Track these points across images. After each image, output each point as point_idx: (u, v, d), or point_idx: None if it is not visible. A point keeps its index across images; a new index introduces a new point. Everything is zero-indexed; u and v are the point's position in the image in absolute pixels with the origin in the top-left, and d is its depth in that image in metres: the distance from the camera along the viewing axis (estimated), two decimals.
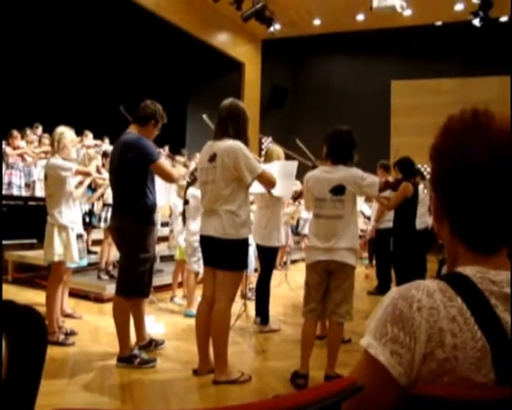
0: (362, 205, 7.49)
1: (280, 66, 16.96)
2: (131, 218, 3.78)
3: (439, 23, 14.30)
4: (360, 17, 14.55)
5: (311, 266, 3.63)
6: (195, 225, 5.06)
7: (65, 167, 4.35)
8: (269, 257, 5.10)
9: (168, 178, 3.97)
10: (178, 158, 8.95)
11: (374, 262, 8.61)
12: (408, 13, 12.91)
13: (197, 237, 4.10)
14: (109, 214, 6.40)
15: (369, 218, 8.66)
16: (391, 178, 6.02)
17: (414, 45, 14.90)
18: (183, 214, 5.50)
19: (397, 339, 0.89)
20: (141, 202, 3.79)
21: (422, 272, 6.28)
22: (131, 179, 3.79)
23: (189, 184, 5.45)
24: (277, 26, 14.08)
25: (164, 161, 3.88)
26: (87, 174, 4.86)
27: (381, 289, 7.02)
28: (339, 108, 15.30)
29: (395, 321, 0.90)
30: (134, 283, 3.83)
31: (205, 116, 5.15)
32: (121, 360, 3.82)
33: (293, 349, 4.17)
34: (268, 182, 3.65)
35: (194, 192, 5.25)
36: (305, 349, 3.61)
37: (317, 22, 15.28)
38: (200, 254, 4.38)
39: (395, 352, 0.89)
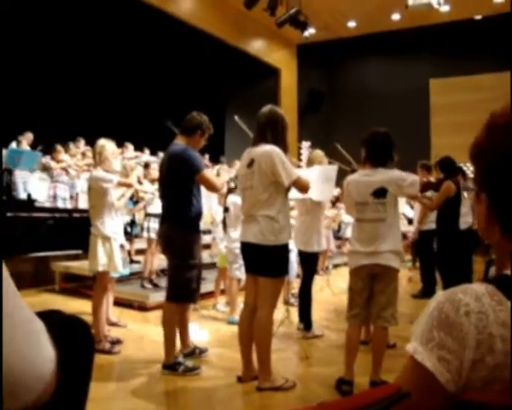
0: (404, 207, 7.37)
1: (316, 70, 16.91)
2: (178, 226, 3.87)
3: (478, 17, 13.97)
4: (395, 16, 14.38)
5: (354, 272, 3.59)
6: (236, 232, 5.09)
7: (106, 179, 4.44)
8: (310, 262, 5.09)
9: (212, 188, 4.09)
10: (222, 167, 9.02)
11: (417, 265, 8.44)
12: (445, 8, 12.67)
13: (238, 244, 4.12)
14: (151, 224, 6.54)
15: (411, 220, 8.51)
16: (432, 179, 5.90)
17: (452, 41, 14.60)
18: (224, 222, 5.54)
19: (444, 344, 0.87)
20: (187, 210, 3.87)
21: (468, 274, 6.12)
22: (178, 189, 3.89)
23: (230, 192, 5.48)
24: (312, 31, 14.06)
25: (208, 171, 3.95)
26: (128, 185, 4.96)
27: (426, 292, 6.87)
28: (376, 110, 15.12)
29: (442, 326, 0.88)
30: (182, 289, 3.90)
31: (237, 117, 5.18)
32: (166, 367, 3.87)
33: (338, 355, 4.12)
34: (302, 188, 3.65)
35: (235, 199, 5.28)
36: (350, 355, 3.56)
37: (351, 24, 15.18)
38: (241, 261, 4.40)
39: (442, 358, 0.86)
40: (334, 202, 5.28)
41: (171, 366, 3.85)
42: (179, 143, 3.99)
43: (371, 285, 3.53)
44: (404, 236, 7.53)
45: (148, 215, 6.69)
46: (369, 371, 3.52)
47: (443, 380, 0.85)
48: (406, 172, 3.59)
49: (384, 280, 3.47)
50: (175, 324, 3.99)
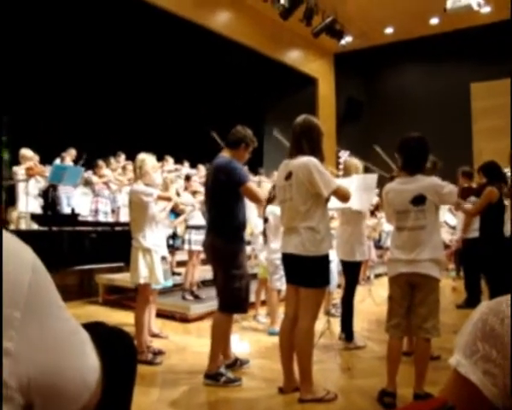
0: (446, 215, 7.21)
1: (353, 78, 16.81)
2: (223, 236, 3.92)
3: None
4: (434, 21, 14.16)
5: (393, 280, 3.54)
6: (276, 242, 5.09)
7: (147, 193, 4.52)
8: (353, 272, 5.04)
9: (256, 199, 4.15)
10: (261, 177, 9.06)
11: (461, 274, 8.23)
12: (486, 10, 12.37)
13: (278, 255, 4.13)
14: (192, 236, 6.62)
15: (454, 228, 8.31)
16: (474, 185, 5.76)
17: (493, 43, 14.20)
18: (264, 232, 5.55)
19: (489, 357, 0.83)
20: (232, 221, 3.92)
21: None
22: (223, 200, 3.94)
23: (268, 202, 5.49)
24: (348, 39, 14.00)
25: (252, 183, 3.99)
26: (168, 199, 5.03)
27: (470, 302, 6.68)
28: (416, 117, 14.87)
29: (486, 338, 0.84)
30: (231, 299, 3.93)
31: (276, 131, 5.20)
32: (208, 377, 3.89)
33: (380, 366, 4.05)
34: (343, 197, 3.63)
35: (274, 210, 5.29)
36: (392, 366, 3.50)
37: (388, 31, 15.04)
38: (282, 272, 4.41)
39: (487, 371, 0.82)
40: (373, 211, 5.21)
41: (213, 376, 3.88)
42: (224, 155, 4.06)
43: (411, 295, 3.46)
44: (447, 244, 7.36)
45: (188, 227, 6.77)
46: (413, 383, 3.44)
47: (489, 395, 0.81)
48: (447, 180, 3.52)
49: (424, 290, 3.39)
50: (223, 334, 4.04)
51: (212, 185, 4.02)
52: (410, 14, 13.44)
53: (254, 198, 4.09)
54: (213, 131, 6.15)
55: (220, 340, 4.00)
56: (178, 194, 6.86)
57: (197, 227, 6.72)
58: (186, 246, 6.78)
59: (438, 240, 3.46)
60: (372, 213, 5.23)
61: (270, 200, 5.46)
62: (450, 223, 8.51)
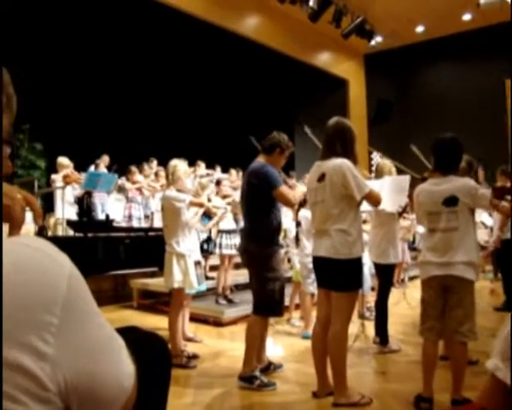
0: (482, 215, 7.05)
1: (384, 78, 16.63)
2: (257, 241, 3.95)
3: None
4: (466, 17, 13.89)
5: (425, 282, 3.48)
6: (310, 246, 5.07)
7: (179, 199, 4.56)
8: (386, 275, 4.98)
9: (288, 203, 4.14)
10: (295, 183, 9.04)
11: (500, 276, 8.03)
12: None
13: (311, 259, 4.11)
14: (223, 240, 6.66)
15: (491, 228, 8.12)
16: (509, 184, 5.62)
17: None
18: (297, 236, 5.54)
19: None
20: (265, 226, 3.94)
21: None
22: (256, 205, 3.98)
23: (301, 206, 5.48)
24: (379, 39, 13.87)
25: (285, 188, 4.01)
26: (200, 205, 5.07)
27: (510, 304, 6.51)
28: (449, 116, 14.59)
29: None
30: (265, 302, 3.94)
31: (306, 128, 5.17)
32: (242, 379, 3.91)
33: (416, 370, 3.97)
34: (374, 201, 3.61)
35: (306, 214, 5.27)
36: (427, 371, 3.43)
37: (419, 29, 14.83)
38: (314, 276, 4.39)
39: None
40: (401, 212, 5.14)
41: (247, 379, 3.89)
42: (259, 160, 4.09)
43: (445, 298, 3.40)
44: (483, 246, 7.19)
45: (220, 232, 6.81)
46: (450, 389, 3.37)
47: None
48: (484, 180, 3.45)
49: (458, 293, 3.32)
50: (258, 337, 4.05)
51: (246, 190, 4.05)
52: (441, 11, 13.21)
53: (287, 202, 4.08)
54: (250, 136, 6.18)
55: (254, 343, 4.00)
56: (209, 199, 6.90)
57: (228, 231, 6.75)
58: (217, 250, 6.82)
59: (471, 242, 3.37)
60: (400, 215, 5.15)
61: (302, 204, 5.44)
62: (486, 223, 8.33)
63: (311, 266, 5.03)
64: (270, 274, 3.91)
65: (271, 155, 4.09)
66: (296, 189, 5.59)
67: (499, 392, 0.84)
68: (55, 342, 0.63)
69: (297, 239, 5.52)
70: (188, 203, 4.65)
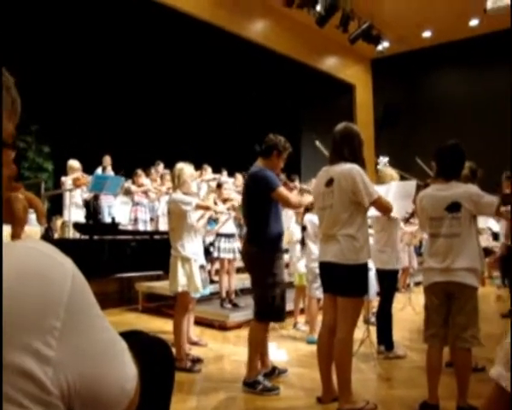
0: (489, 221, 7.03)
1: (392, 83, 16.61)
2: (257, 245, 3.95)
3: None
4: (474, 22, 13.87)
5: (428, 289, 3.48)
6: (317, 251, 5.05)
7: (185, 202, 4.56)
8: (389, 280, 4.95)
9: (288, 204, 4.12)
10: (297, 185, 9.02)
11: (507, 282, 7.99)
12: None
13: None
14: (222, 244, 6.65)
15: (497, 234, 8.08)
16: None
17: None
18: (302, 241, 5.54)
19: None
20: (265, 229, 3.93)
21: None
22: (256, 209, 3.98)
23: (306, 210, 5.47)
24: (386, 44, 13.84)
25: (283, 188, 4.00)
26: (206, 208, 5.07)
27: None
28: (456, 121, 14.56)
29: None
30: (266, 307, 3.94)
31: (318, 142, 5.17)
32: (246, 384, 3.91)
33: (421, 376, 3.95)
34: (384, 208, 3.60)
35: (312, 218, 5.26)
36: (432, 377, 3.41)
37: (426, 34, 14.81)
38: None
39: None
40: (408, 218, 5.11)
41: (250, 384, 3.89)
42: (257, 165, 4.10)
43: (448, 304, 3.38)
44: (489, 251, 7.16)
45: (218, 235, 6.79)
46: (456, 395, 3.35)
47: None
48: (490, 187, 3.44)
49: (461, 299, 3.30)
50: (260, 342, 4.05)
51: (246, 194, 4.08)
52: (448, 16, 13.19)
53: (287, 203, 4.06)
54: (256, 144, 6.18)
55: (257, 348, 4.00)
56: (216, 203, 6.90)
57: (227, 235, 6.73)
58: (215, 253, 6.80)
59: (474, 248, 3.35)
60: (407, 221, 5.13)
61: (308, 208, 5.43)
62: (493, 229, 8.29)
63: (317, 270, 5.02)
64: (271, 279, 3.90)
65: (269, 158, 4.08)
66: (296, 192, 5.58)
67: (504, 400, 0.83)
68: (58, 346, 0.63)
69: (302, 244, 5.52)
70: (194, 206, 4.65)
